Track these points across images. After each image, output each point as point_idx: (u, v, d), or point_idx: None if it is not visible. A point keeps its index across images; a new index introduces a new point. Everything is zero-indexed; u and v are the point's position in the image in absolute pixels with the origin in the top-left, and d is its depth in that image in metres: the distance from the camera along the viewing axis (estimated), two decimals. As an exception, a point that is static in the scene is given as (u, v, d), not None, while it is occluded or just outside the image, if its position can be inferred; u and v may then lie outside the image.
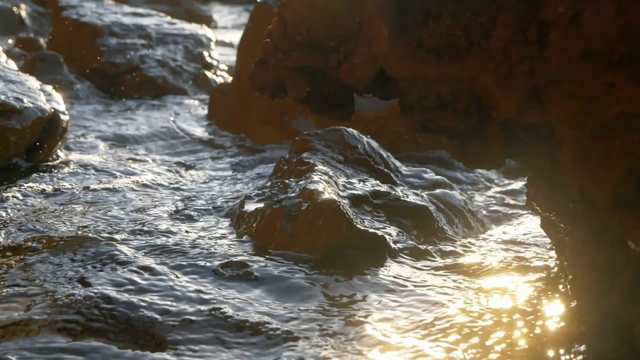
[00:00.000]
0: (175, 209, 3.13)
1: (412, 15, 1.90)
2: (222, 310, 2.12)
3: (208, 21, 9.57)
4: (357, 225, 2.48)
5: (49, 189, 3.36)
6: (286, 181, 2.86)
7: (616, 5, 1.55)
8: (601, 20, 1.56)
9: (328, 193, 2.57)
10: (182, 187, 3.52)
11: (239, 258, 2.51)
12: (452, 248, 2.72)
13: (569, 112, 1.64)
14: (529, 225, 3.04)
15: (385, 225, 2.61)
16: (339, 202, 2.52)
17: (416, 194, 2.93)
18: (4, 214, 2.98)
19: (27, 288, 2.28)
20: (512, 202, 3.48)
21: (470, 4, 1.81)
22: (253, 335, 2.03)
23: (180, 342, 1.99)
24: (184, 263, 2.51)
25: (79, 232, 2.75)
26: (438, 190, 3.12)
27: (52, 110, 3.91)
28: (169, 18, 7.12)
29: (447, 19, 1.85)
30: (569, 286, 1.96)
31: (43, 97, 3.96)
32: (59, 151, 3.99)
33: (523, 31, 1.73)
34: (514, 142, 1.90)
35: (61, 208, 3.06)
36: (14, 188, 3.34)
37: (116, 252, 2.51)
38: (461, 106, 1.88)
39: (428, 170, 3.33)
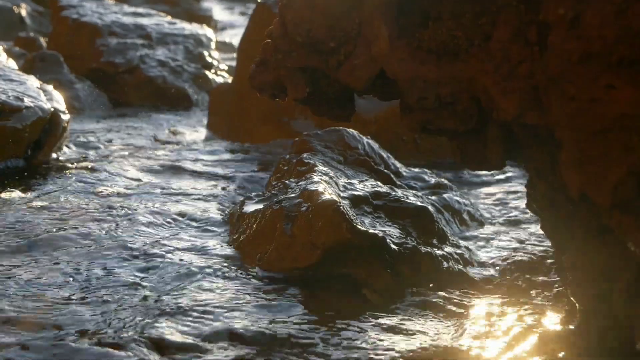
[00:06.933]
0: (173, 210, 3.13)
1: (412, 16, 1.90)
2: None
3: (208, 21, 9.55)
4: (357, 226, 2.48)
5: (48, 189, 3.36)
6: (286, 182, 2.86)
7: (616, 7, 1.55)
8: (601, 21, 1.56)
9: (328, 194, 2.57)
10: (180, 188, 3.52)
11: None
12: (452, 249, 2.72)
13: (569, 114, 1.64)
14: (529, 226, 3.04)
15: (385, 226, 2.60)
16: (339, 202, 2.52)
17: (416, 195, 2.93)
18: (1, 215, 2.98)
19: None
20: (512, 203, 3.47)
21: (471, 5, 1.81)
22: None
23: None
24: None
25: (75, 232, 2.75)
26: (439, 192, 3.11)
27: (53, 109, 3.90)
28: (169, 18, 7.11)
29: (447, 20, 1.85)
30: (568, 288, 1.96)
31: (43, 96, 3.95)
32: (58, 151, 3.99)
33: (523, 32, 1.73)
34: (514, 143, 1.90)
35: (59, 209, 3.06)
36: (13, 188, 3.33)
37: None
38: (461, 107, 1.88)
39: (428, 171, 3.32)
